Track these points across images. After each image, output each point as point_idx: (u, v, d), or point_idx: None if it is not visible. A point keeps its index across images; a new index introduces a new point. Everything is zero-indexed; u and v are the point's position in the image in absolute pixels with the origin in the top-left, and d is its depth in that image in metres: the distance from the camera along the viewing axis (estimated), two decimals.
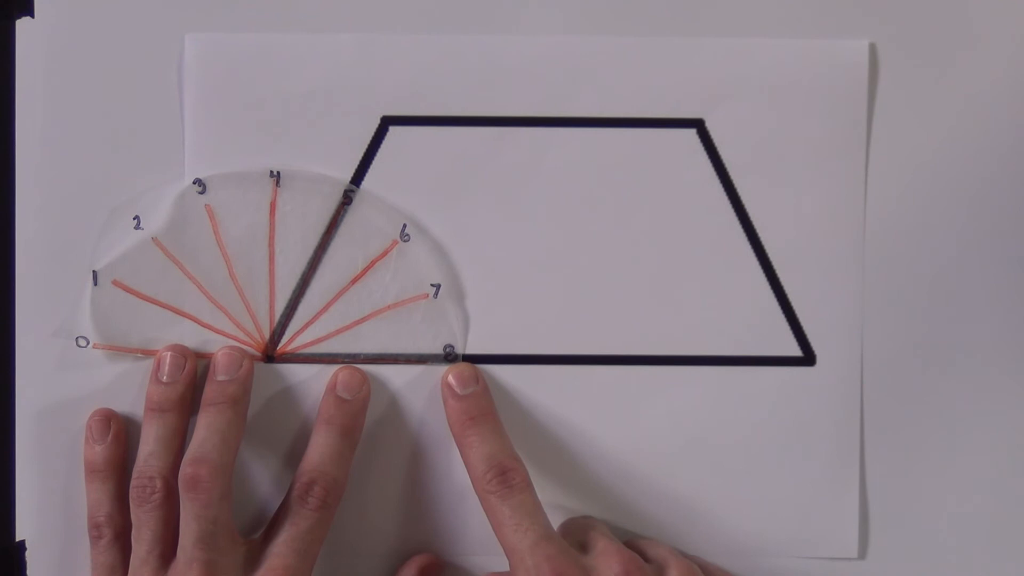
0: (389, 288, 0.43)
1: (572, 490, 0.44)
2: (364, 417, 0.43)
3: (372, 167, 0.43)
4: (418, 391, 0.43)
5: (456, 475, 0.43)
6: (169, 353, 0.42)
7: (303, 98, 0.43)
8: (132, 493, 0.41)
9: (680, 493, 0.44)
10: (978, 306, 0.44)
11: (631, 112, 0.43)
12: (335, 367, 0.43)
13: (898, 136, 0.43)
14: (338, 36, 0.43)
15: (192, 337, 0.43)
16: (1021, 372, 0.44)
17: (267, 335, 0.43)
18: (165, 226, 0.43)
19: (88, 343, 0.43)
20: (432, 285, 0.43)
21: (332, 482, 0.41)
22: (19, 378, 0.43)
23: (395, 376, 0.43)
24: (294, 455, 0.43)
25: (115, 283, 0.43)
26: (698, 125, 0.43)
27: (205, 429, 0.41)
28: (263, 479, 0.44)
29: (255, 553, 0.41)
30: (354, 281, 0.43)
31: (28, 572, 0.43)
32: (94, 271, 0.43)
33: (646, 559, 0.40)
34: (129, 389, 0.43)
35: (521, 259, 0.43)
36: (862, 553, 0.44)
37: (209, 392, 0.42)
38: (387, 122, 0.43)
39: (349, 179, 0.43)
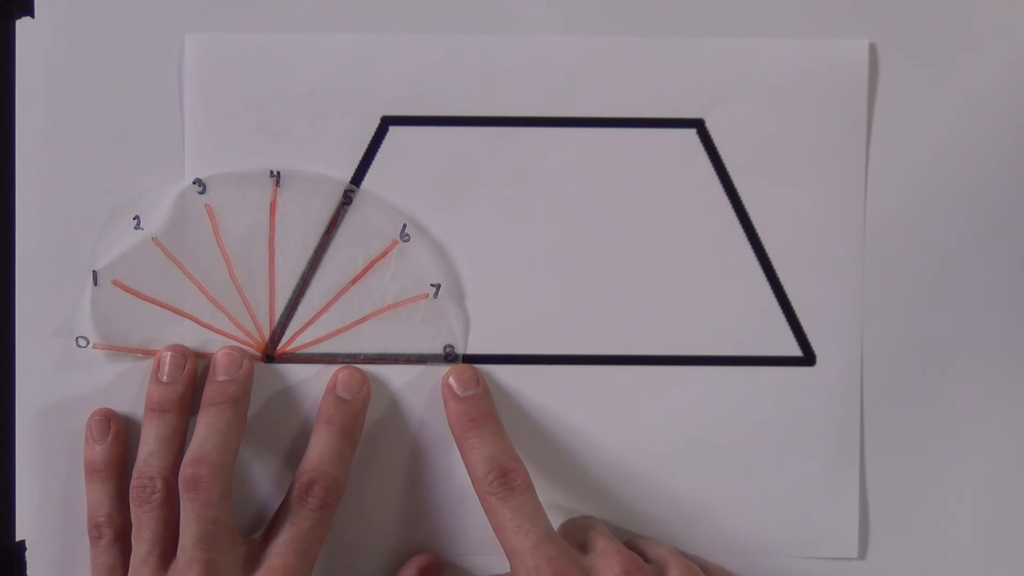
0: (389, 288, 0.43)
1: (572, 490, 0.44)
2: (364, 417, 0.43)
3: (372, 167, 0.43)
4: (418, 391, 0.43)
5: (456, 475, 0.43)
6: (169, 353, 0.42)
7: (303, 98, 0.43)
8: (132, 493, 0.41)
9: (680, 493, 0.44)
10: (978, 306, 0.44)
11: (631, 112, 0.43)
12: (335, 367, 0.43)
13: (898, 136, 0.43)
14: (338, 36, 0.43)
15: (192, 337, 0.43)
16: (1021, 372, 0.44)
17: (267, 335, 0.43)
18: (165, 226, 0.43)
19: (88, 343, 0.43)
20: (432, 285, 0.43)
21: (332, 482, 0.41)
22: (19, 378, 0.43)
23: (395, 376, 0.43)
24: (294, 455, 0.43)
25: (115, 283, 0.43)
26: (698, 125, 0.43)
27: (205, 429, 0.41)
28: (263, 479, 0.44)
29: (255, 553, 0.41)
30: (354, 281, 0.43)
31: (28, 572, 0.43)
32: (94, 271, 0.43)
33: (646, 559, 0.40)
34: (129, 389, 0.43)
35: (521, 259, 0.43)
36: (862, 553, 0.44)
37: (209, 392, 0.42)
38: (387, 122, 0.43)
39: (349, 179, 0.43)
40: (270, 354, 0.43)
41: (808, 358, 0.44)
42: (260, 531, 0.42)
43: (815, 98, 0.43)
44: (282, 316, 0.43)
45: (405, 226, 0.43)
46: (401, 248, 0.43)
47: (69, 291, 0.43)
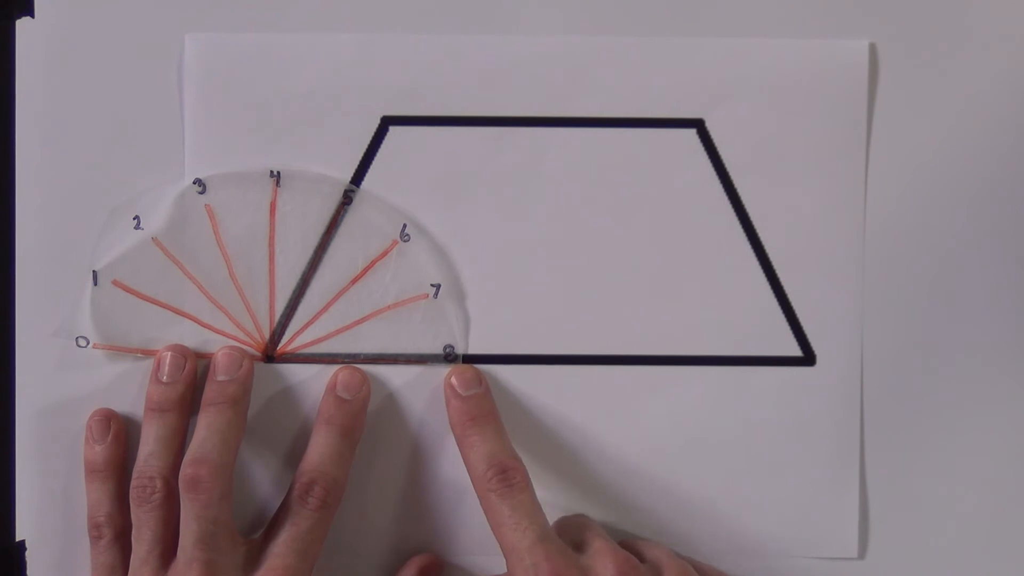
0: (389, 288, 0.43)
1: (572, 490, 0.44)
2: (364, 417, 0.43)
3: (372, 167, 0.43)
4: (418, 391, 0.43)
5: (456, 475, 0.43)
6: (169, 353, 0.42)
7: (303, 98, 0.43)
8: (132, 493, 0.41)
9: (680, 493, 0.44)
10: (978, 306, 0.44)
11: (631, 112, 0.43)
12: (335, 367, 0.43)
13: (898, 136, 0.43)
14: (338, 36, 0.43)
15: (192, 337, 0.43)
16: (1021, 372, 0.44)
17: (267, 335, 0.43)
18: (165, 226, 0.43)
19: (88, 343, 0.43)
20: (432, 285, 0.43)
21: (332, 482, 0.41)
22: (19, 378, 0.43)
23: (395, 376, 0.43)
24: (294, 455, 0.43)
25: (115, 283, 0.43)
26: (698, 125, 0.43)
27: (205, 429, 0.41)
28: (263, 479, 0.44)
29: (255, 553, 0.41)
30: (354, 281, 0.43)
31: (28, 572, 0.43)
32: (94, 271, 0.43)
33: (641, 560, 0.40)
34: (129, 389, 0.43)
35: (521, 259, 0.43)
36: (862, 553, 0.44)
37: (209, 392, 0.42)
38: (387, 122, 0.43)
39: (349, 179, 0.43)
40: (270, 354, 0.43)
41: (808, 358, 0.44)
42: (260, 531, 0.42)
43: (815, 98, 0.43)
44: (282, 316, 0.43)
45: (405, 226, 0.43)
46: (401, 248, 0.43)
47: (69, 291, 0.43)
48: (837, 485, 0.44)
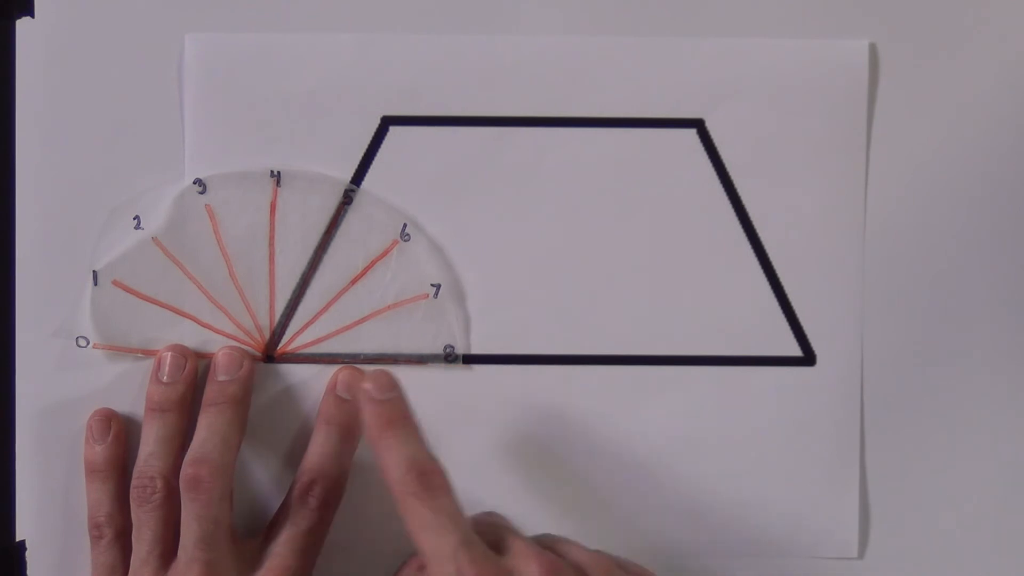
0: (389, 288, 0.43)
1: (571, 490, 0.44)
2: None
3: (372, 167, 0.43)
4: (418, 391, 0.43)
5: (455, 475, 0.43)
6: (169, 353, 0.42)
7: (303, 98, 0.43)
8: (133, 493, 0.41)
9: (680, 493, 0.44)
10: (978, 306, 0.44)
11: (631, 112, 0.43)
12: (335, 367, 0.43)
13: (898, 136, 0.43)
14: (338, 36, 0.43)
15: (192, 337, 0.43)
16: (1021, 372, 0.44)
17: (267, 335, 0.43)
18: (165, 226, 0.43)
19: (88, 343, 0.43)
20: (432, 285, 0.43)
21: (332, 482, 0.41)
22: (19, 378, 0.43)
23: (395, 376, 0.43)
24: (294, 455, 0.43)
25: (115, 283, 0.43)
26: (698, 125, 0.43)
27: (206, 429, 0.41)
28: (263, 479, 0.44)
29: (255, 553, 0.41)
30: (354, 281, 0.43)
31: (28, 572, 0.43)
32: (94, 271, 0.43)
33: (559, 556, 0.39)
34: (129, 389, 0.43)
35: (521, 259, 0.43)
36: (862, 553, 0.44)
37: (210, 392, 0.42)
38: (387, 122, 0.43)
39: (349, 179, 0.43)
40: (270, 354, 0.43)
41: (808, 358, 0.44)
42: (260, 531, 0.42)
43: (815, 98, 0.43)
44: (282, 316, 0.43)
45: (405, 226, 0.43)
46: (401, 248, 0.43)
47: (69, 291, 0.43)
48: (837, 485, 0.44)
